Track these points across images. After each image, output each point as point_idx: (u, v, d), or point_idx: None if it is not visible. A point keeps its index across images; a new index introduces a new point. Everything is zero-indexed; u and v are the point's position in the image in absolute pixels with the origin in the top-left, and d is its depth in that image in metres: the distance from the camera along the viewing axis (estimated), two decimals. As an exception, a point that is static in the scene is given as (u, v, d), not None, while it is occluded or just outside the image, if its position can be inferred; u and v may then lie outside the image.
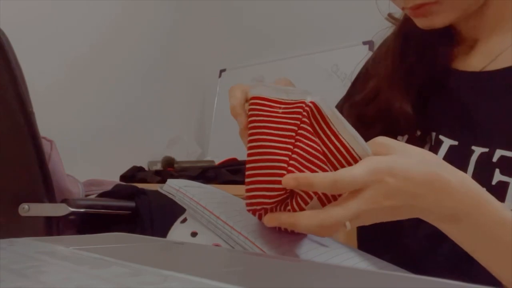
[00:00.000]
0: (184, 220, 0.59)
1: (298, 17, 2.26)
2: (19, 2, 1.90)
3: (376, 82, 0.74)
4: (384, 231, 0.68)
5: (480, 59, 0.67)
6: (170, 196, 0.60)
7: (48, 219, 1.11)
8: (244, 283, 0.23)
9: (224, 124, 2.40)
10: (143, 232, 1.17)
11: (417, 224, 0.61)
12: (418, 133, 0.68)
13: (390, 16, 0.77)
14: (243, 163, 1.87)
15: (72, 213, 1.11)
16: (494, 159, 0.59)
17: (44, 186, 1.09)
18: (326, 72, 2.07)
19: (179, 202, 0.59)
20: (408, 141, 0.69)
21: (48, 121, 1.25)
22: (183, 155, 2.26)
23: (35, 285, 0.23)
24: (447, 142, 0.65)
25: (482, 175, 0.59)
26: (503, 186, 0.58)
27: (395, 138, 0.70)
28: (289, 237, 0.55)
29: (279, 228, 0.56)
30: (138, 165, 2.12)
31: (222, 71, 2.48)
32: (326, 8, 2.13)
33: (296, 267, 0.34)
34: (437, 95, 0.68)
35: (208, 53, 2.54)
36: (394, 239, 0.68)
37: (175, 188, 0.60)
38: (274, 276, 0.29)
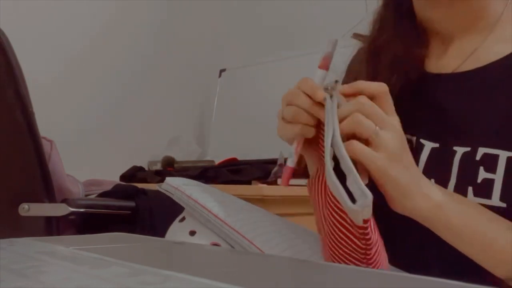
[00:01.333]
0: (183, 219, 0.59)
1: (298, 17, 2.26)
2: (19, 2, 1.90)
3: None
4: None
5: (453, 60, 0.68)
6: (168, 194, 0.60)
7: (48, 219, 1.11)
8: (244, 283, 0.23)
9: (224, 124, 2.40)
10: (143, 232, 1.17)
11: (407, 231, 0.62)
12: None
13: (356, 35, 0.78)
14: (243, 163, 1.88)
15: (72, 213, 1.11)
16: (477, 157, 0.60)
17: (44, 186, 1.09)
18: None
19: (177, 200, 0.59)
20: None
21: (48, 121, 1.25)
22: (183, 155, 2.26)
23: (35, 285, 0.24)
24: (428, 145, 0.65)
25: (467, 174, 0.60)
26: (488, 183, 0.58)
27: None
28: (287, 237, 0.55)
29: (279, 229, 0.56)
30: (138, 165, 2.12)
31: (222, 71, 2.48)
32: (326, 8, 2.13)
33: (296, 267, 0.34)
34: (414, 100, 0.69)
35: (208, 53, 2.54)
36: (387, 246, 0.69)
37: (173, 186, 0.60)
38: (274, 276, 0.29)
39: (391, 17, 0.73)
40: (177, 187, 0.59)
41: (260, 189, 1.50)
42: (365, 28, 0.78)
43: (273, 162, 1.71)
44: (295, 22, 2.26)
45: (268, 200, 1.44)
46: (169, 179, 0.61)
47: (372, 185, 0.61)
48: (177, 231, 0.59)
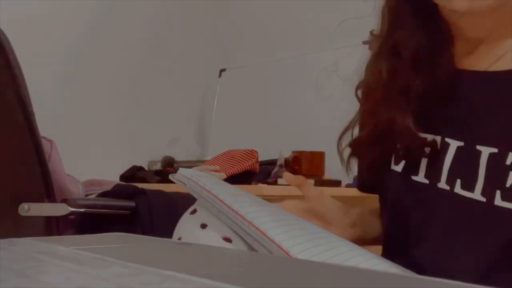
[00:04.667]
0: (194, 211, 0.59)
1: (298, 17, 2.26)
2: (19, 2, 1.90)
3: (370, 103, 0.72)
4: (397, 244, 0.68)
5: (483, 59, 0.66)
6: (181, 184, 0.60)
7: (48, 219, 1.11)
8: (244, 283, 0.23)
9: (224, 124, 2.40)
10: (143, 232, 1.17)
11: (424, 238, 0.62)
12: (424, 138, 0.67)
13: (367, 42, 0.76)
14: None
15: (72, 212, 1.11)
16: (508, 162, 0.58)
17: (44, 186, 1.09)
18: (326, 72, 2.07)
19: (189, 191, 0.58)
20: (412, 146, 0.68)
21: (48, 121, 1.25)
22: (183, 155, 2.26)
23: (35, 285, 0.23)
24: (453, 144, 0.64)
25: (495, 177, 0.59)
26: None
27: (393, 154, 0.70)
28: (299, 231, 0.55)
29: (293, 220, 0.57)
30: (138, 165, 2.12)
31: (222, 71, 2.48)
32: (326, 7, 2.13)
33: (296, 267, 0.34)
34: (441, 95, 0.67)
35: (208, 53, 2.54)
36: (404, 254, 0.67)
37: (186, 176, 0.59)
38: (274, 276, 0.29)
39: (407, 8, 0.68)
40: (190, 177, 0.59)
41: (260, 189, 1.50)
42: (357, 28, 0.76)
43: (273, 162, 1.72)
44: (295, 22, 2.26)
45: (268, 200, 1.43)
46: (182, 170, 0.61)
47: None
48: (187, 223, 0.59)
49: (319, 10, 2.16)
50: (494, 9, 0.62)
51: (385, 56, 0.70)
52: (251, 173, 1.68)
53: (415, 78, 0.66)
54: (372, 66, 0.74)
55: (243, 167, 1.66)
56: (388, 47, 0.70)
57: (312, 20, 2.20)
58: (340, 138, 0.76)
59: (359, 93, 0.77)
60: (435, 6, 0.66)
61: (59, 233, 1.13)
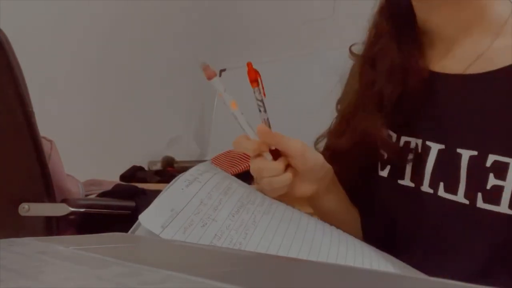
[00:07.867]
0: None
1: (298, 17, 2.26)
2: (19, 2, 1.90)
3: (346, 111, 0.75)
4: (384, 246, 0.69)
5: (458, 62, 0.67)
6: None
7: (48, 219, 1.11)
8: (244, 283, 0.23)
9: (224, 124, 2.40)
10: (143, 232, 1.17)
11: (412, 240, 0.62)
12: (402, 143, 0.68)
13: (351, 52, 0.78)
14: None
15: (72, 212, 1.11)
16: (488, 164, 0.59)
17: (44, 186, 1.09)
18: (326, 72, 2.07)
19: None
20: (390, 154, 0.69)
21: (48, 121, 1.25)
22: (183, 155, 2.26)
23: (35, 285, 0.23)
24: (435, 147, 0.64)
25: (476, 180, 0.59)
26: (498, 190, 0.58)
27: (378, 159, 0.71)
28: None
29: None
30: (138, 165, 2.13)
31: (222, 71, 2.48)
32: (325, 8, 2.13)
33: (296, 267, 0.34)
34: (418, 99, 0.68)
35: (208, 53, 2.54)
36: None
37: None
38: (274, 276, 0.29)
39: (387, 23, 0.71)
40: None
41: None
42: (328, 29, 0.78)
43: (273, 162, 1.71)
44: (295, 22, 2.26)
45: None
46: (144, 218, 0.53)
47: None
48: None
49: (319, 10, 2.16)
50: (458, 10, 0.63)
51: (363, 67, 0.74)
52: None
53: (388, 87, 0.68)
54: (351, 77, 0.77)
55: (243, 167, 1.66)
56: (367, 59, 0.73)
57: (312, 20, 2.20)
58: (317, 142, 0.78)
59: (339, 106, 0.79)
60: (412, 15, 0.68)
61: (59, 233, 1.13)
